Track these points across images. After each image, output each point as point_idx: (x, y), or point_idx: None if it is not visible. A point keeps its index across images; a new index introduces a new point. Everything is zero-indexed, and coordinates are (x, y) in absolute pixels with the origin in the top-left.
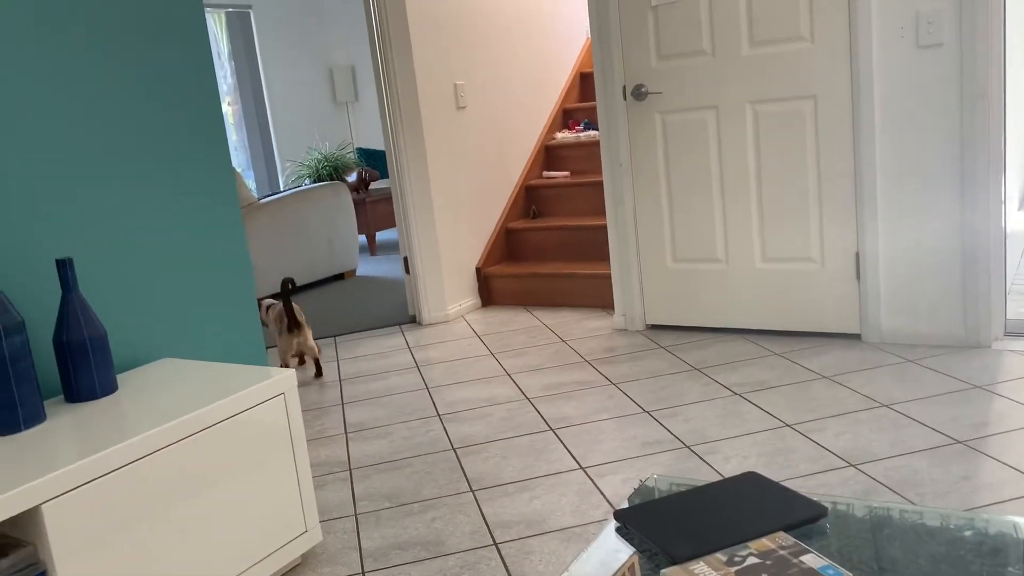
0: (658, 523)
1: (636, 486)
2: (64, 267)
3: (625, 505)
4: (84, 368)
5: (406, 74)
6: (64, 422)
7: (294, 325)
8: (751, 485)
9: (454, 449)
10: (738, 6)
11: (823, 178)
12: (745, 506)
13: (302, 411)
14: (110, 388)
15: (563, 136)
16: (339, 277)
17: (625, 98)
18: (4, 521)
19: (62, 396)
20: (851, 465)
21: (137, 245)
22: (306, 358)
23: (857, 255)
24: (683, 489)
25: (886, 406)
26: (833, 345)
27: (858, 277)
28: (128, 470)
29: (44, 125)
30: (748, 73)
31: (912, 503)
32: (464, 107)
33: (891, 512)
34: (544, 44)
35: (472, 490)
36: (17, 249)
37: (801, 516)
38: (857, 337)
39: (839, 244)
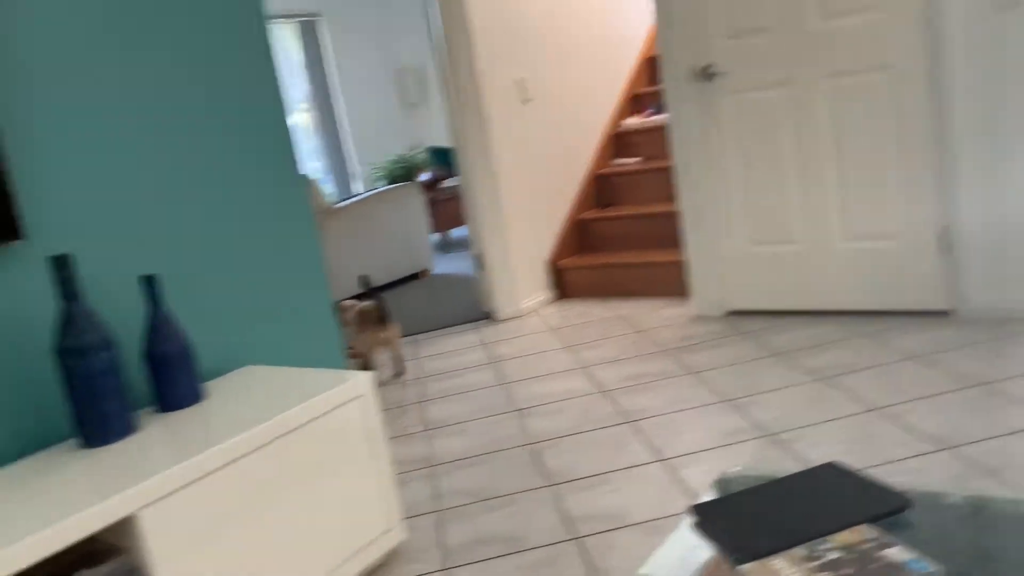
0: (736, 517)
1: (717, 478)
2: (149, 283)
3: (703, 499)
4: (171, 379)
5: (469, 72)
6: (155, 432)
7: (384, 319)
8: (831, 476)
9: (532, 444)
10: None
11: (903, 150)
12: (825, 498)
13: (384, 410)
14: (197, 397)
15: (632, 122)
16: (414, 276)
17: (692, 80)
18: (102, 529)
19: (153, 406)
20: (944, 449)
21: (218, 259)
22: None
23: (944, 228)
24: (762, 482)
25: (981, 385)
26: (922, 323)
27: (945, 250)
28: (217, 476)
29: (123, 148)
30: (819, 46)
31: (1010, 489)
32: (530, 100)
33: (986, 500)
34: (610, 30)
35: (551, 484)
36: (105, 266)
37: (884, 507)
38: (947, 314)
39: (923, 217)
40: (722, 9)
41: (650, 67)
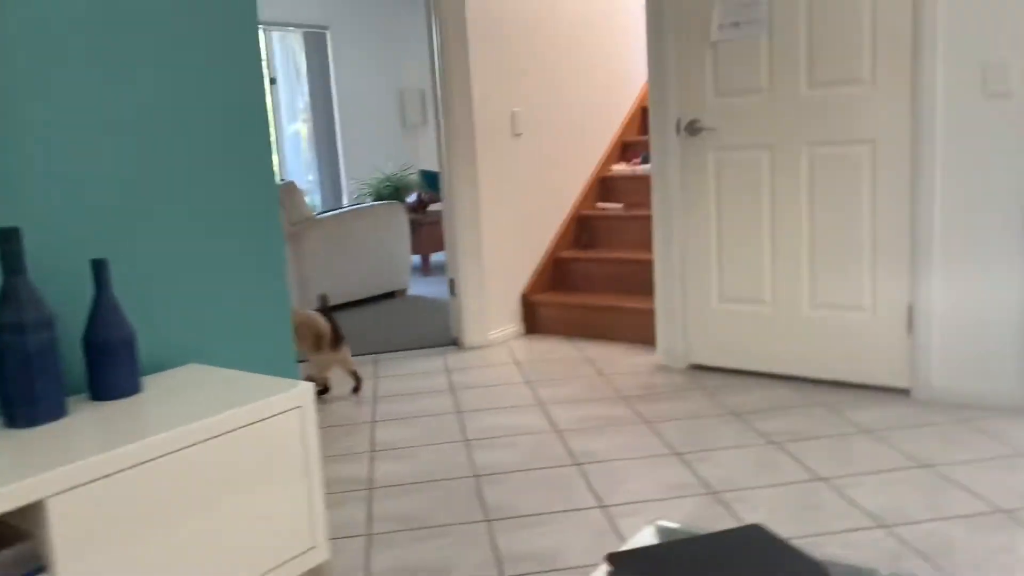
0: (651, 570)
1: (644, 529)
2: (99, 267)
3: (624, 548)
4: (109, 368)
5: (463, 99)
6: (83, 419)
7: (338, 341)
8: (753, 539)
9: (477, 476)
10: (798, 46)
11: (878, 225)
12: (743, 560)
13: (332, 427)
14: (134, 389)
15: (619, 168)
16: (390, 295)
17: (679, 133)
18: (10, 513)
19: (87, 394)
20: (882, 526)
21: (172, 251)
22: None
23: (910, 307)
24: (684, 537)
25: (929, 467)
26: (880, 399)
27: (910, 330)
28: (137, 471)
29: (85, 126)
30: (806, 114)
31: (939, 573)
32: (520, 134)
33: None
34: (607, 77)
35: (488, 520)
36: (56, 247)
37: (799, 575)
38: (906, 392)
39: (892, 294)
40: (714, 67)
41: (643, 117)
